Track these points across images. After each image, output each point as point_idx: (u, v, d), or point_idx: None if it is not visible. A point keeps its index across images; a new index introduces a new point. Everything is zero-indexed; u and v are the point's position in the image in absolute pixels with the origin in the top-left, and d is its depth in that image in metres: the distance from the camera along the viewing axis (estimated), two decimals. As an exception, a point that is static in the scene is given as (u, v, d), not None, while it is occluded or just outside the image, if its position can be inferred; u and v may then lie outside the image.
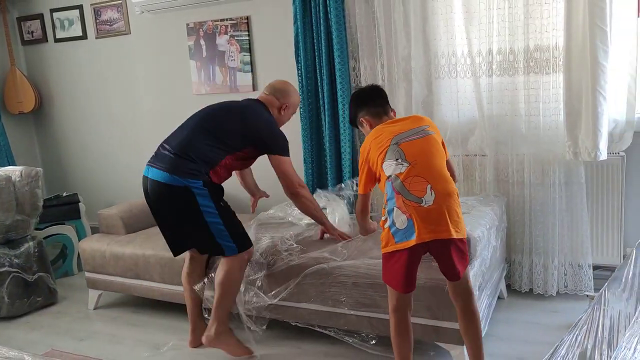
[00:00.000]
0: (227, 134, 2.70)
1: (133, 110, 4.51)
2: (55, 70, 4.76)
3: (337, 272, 2.63)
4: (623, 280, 2.21)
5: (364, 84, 3.46)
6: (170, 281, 3.15)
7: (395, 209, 2.09)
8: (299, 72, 3.57)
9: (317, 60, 3.52)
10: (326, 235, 2.92)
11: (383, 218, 2.16)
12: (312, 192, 3.11)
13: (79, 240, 3.89)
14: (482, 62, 3.19)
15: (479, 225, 2.65)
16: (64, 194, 4.44)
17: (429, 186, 2.08)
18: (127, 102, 4.51)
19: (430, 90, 3.33)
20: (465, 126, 3.31)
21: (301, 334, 2.87)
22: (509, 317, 3.00)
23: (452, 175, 2.31)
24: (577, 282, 3.18)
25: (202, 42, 4.04)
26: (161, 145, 2.77)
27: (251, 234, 2.90)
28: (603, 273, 3.17)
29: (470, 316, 2.23)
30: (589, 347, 1.74)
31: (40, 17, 4.67)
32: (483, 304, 2.64)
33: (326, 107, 3.48)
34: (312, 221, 3.00)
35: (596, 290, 3.10)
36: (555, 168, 3.10)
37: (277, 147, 2.74)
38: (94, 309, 3.55)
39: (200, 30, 4.03)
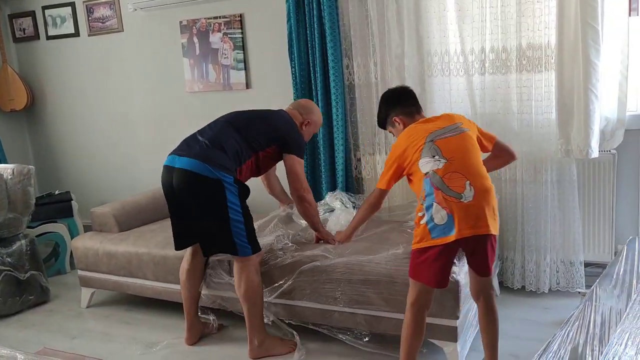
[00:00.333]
0: (254, 134, 2.74)
1: (126, 108, 4.49)
2: (47, 67, 4.73)
3: (330, 269, 2.64)
4: (614, 277, 2.23)
5: (357, 82, 3.48)
6: (164, 279, 3.14)
7: (434, 204, 2.09)
8: (293, 70, 3.57)
9: (310, 58, 3.52)
10: (321, 241, 2.93)
11: (420, 214, 2.15)
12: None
13: (72, 239, 3.88)
14: (474, 60, 3.20)
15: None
16: (57, 192, 4.42)
17: (468, 182, 2.10)
18: (119, 99, 4.50)
19: (423, 89, 3.33)
20: (458, 124, 3.31)
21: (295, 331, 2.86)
22: (502, 314, 2.95)
23: (510, 153, 2.52)
24: (568, 279, 3.19)
25: (195, 39, 4.03)
26: (191, 137, 2.77)
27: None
28: (594, 270, 3.18)
29: (492, 314, 2.29)
30: (580, 342, 1.76)
31: (32, 14, 4.65)
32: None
33: (320, 104, 3.48)
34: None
35: (588, 287, 3.11)
36: (548, 166, 3.12)
37: (296, 147, 2.79)
38: (87, 307, 3.53)
39: (194, 27, 4.02)
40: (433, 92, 3.35)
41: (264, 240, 2.87)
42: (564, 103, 2.98)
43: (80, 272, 3.49)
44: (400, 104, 2.53)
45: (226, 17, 3.89)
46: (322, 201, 3.30)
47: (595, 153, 2.93)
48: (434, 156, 2.18)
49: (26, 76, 4.79)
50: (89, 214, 3.64)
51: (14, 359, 1.77)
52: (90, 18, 4.42)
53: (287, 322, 2.83)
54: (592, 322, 1.88)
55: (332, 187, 3.59)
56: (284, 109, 3.00)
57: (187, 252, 2.88)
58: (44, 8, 4.59)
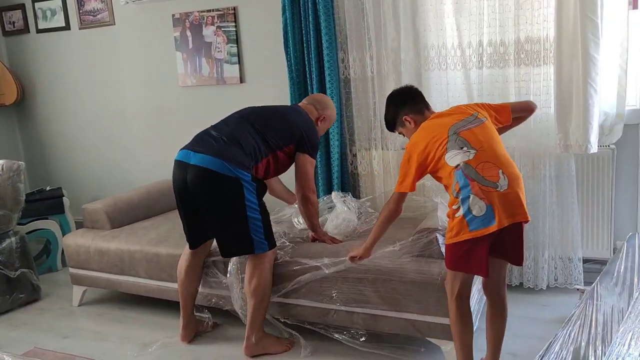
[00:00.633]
0: (272, 132, 2.67)
1: (118, 103, 4.43)
2: (37, 61, 4.66)
3: (328, 268, 2.59)
4: (615, 274, 2.20)
5: (352, 76, 3.43)
6: (157, 277, 3.09)
7: (471, 196, 2.05)
8: (288, 63, 3.52)
9: (305, 52, 3.46)
10: (316, 240, 2.89)
11: (455, 207, 2.10)
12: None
13: (63, 236, 3.82)
14: (472, 54, 3.15)
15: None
16: (48, 188, 4.36)
17: (500, 171, 2.08)
18: (111, 94, 4.43)
19: (419, 83, 3.28)
20: (455, 119, 3.27)
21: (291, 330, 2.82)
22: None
23: (529, 109, 2.48)
24: (567, 275, 3.17)
25: (188, 33, 3.97)
26: (204, 132, 2.69)
27: None
28: (593, 266, 3.16)
29: (504, 309, 2.29)
30: (582, 343, 1.72)
31: (21, 7, 4.57)
32: (474, 299, 2.61)
33: (315, 99, 3.42)
34: (304, 224, 2.98)
35: (586, 283, 3.09)
36: (546, 161, 3.08)
37: (311, 146, 2.75)
38: (79, 305, 3.48)
39: (187, 21, 3.95)
40: (430, 87, 3.30)
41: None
42: (563, 97, 2.94)
43: (71, 269, 3.43)
44: (409, 102, 2.48)
45: (219, 10, 3.83)
46: (326, 197, 3.26)
47: (594, 148, 2.90)
48: (462, 148, 2.14)
49: (16, 70, 4.72)
50: (81, 210, 3.58)
51: (1, 361, 1.72)
52: (81, 11, 4.35)
53: (282, 321, 2.78)
54: (594, 322, 1.85)
55: (328, 183, 3.55)
56: (299, 104, 2.94)
57: (186, 250, 2.82)
58: (34, 1, 4.50)
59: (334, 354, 2.67)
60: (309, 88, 3.49)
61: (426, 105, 2.49)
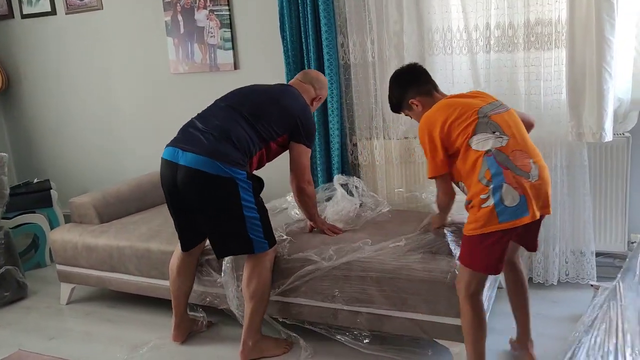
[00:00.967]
0: (264, 121, 2.45)
1: (107, 91, 4.26)
2: (23, 48, 4.47)
3: (329, 265, 2.44)
4: (638, 271, 2.05)
5: (352, 62, 3.28)
6: (148, 274, 2.94)
7: (504, 185, 1.93)
8: (285, 48, 3.35)
9: (303, 36, 3.30)
10: (315, 229, 2.74)
11: (484, 196, 1.96)
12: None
13: (52, 230, 3.66)
14: (479, 37, 3.00)
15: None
16: (35, 181, 4.20)
17: (531, 160, 1.99)
18: (100, 82, 4.26)
19: (423, 68, 3.13)
20: (461, 106, 3.12)
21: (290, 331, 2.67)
22: (508, 307, 2.83)
23: (532, 122, 2.35)
24: (579, 270, 3.03)
25: (180, 17, 3.79)
26: (190, 125, 2.46)
27: None
28: (606, 260, 3.04)
29: (524, 279, 2.31)
30: (610, 349, 1.58)
31: (5, -9, 4.38)
32: (483, 296, 2.47)
33: (313, 86, 3.26)
34: (302, 215, 2.83)
35: (599, 278, 2.97)
36: (557, 150, 2.94)
37: (307, 136, 2.55)
38: (67, 303, 3.32)
39: (178, 4, 3.77)
40: (434, 72, 3.09)
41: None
42: (575, 83, 2.79)
43: (59, 266, 3.28)
44: (414, 83, 2.32)
45: (212, -7, 3.66)
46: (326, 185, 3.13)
47: (609, 136, 2.74)
48: (494, 132, 2.01)
49: (0, 57, 4.53)
50: (68, 204, 3.41)
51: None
52: (67, -5, 4.17)
53: (280, 321, 2.64)
54: (619, 325, 1.70)
55: (328, 174, 3.40)
56: (292, 82, 2.74)
57: (178, 249, 2.65)
58: (18, -15, 4.32)
59: (336, 356, 2.52)
60: (307, 74, 3.32)
61: (434, 86, 2.34)
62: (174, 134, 2.52)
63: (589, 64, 2.73)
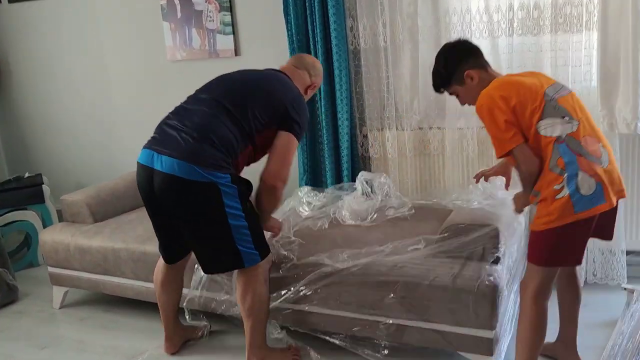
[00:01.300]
0: (251, 115, 2.17)
1: (101, 81, 4.05)
2: (11, 35, 4.26)
3: (344, 270, 2.25)
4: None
5: (363, 47, 3.10)
6: (145, 278, 2.74)
7: (580, 172, 1.82)
8: (289, 33, 3.13)
9: (309, 19, 3.08)
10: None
11: (558, 187, 1.83)
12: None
13: (44, 228, 3.47)
14: (501, 19, 2.82)
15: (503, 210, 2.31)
16: (26, 175, 4.01)
17: (600, 145, 1.89)
18: (94, 71, 4.05)
19: (440, 54, 2.93)
20: (480, 94, 2.93)
21: (301, 342, 2.48)
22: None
23: None
24: (608, 270, 2.86)
25: (176, 0, 3.57)
26: (166, 123, 2.20)
27: None
28: (637, 259, 2.86)
29: (579, 285, 2.19)
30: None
31: (-9, -26, 4.16)
32: (510, 301, 2.28)
33: (321, 73, 3.05)
34: (311, 212, 2.69)
35: (629, 278, 2.80)
36: (586, 141, 2.74)
37: (297, 127, 2.25)
38: (60, 307, 3.13)
39: (174, -14, 3.55)
40: (452, 58, 2.93)
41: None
42: (608, 68, 2.62)
43: (50, 269, 3.08)
44: (473, 55, 2.13)
45: (211, -26, 3.43)
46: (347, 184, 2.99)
47: (645, 127, 2.55)
48: (564, 117, 1.88)
49: (-12, 46, 4.32)
50: (61, 201, 3.21)
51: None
52: (56, -22, 3.94)
53: (292, 329, 2.44)
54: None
55: (336, 167, 3.21)
56: (283, 67, 2.48)
57: (161, 262, 2.44)
58: (4, -33, 4.09)
59: (352, 368, 2.34)
60: (314, 61, 3.11)
61: (488, 63, 2.15)
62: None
63: (624, 48, 2.56)
